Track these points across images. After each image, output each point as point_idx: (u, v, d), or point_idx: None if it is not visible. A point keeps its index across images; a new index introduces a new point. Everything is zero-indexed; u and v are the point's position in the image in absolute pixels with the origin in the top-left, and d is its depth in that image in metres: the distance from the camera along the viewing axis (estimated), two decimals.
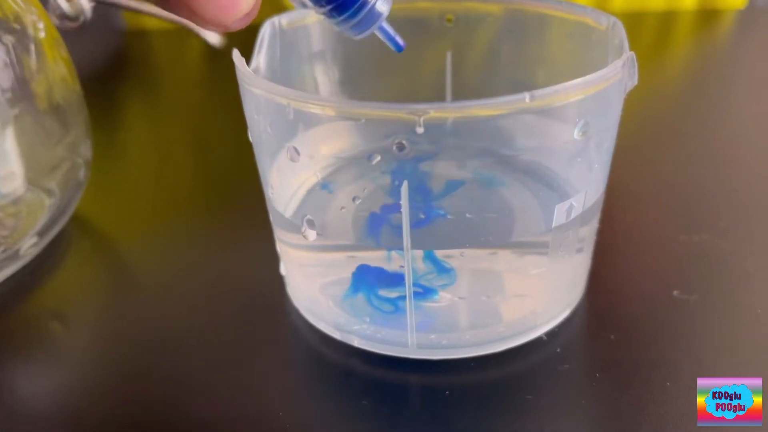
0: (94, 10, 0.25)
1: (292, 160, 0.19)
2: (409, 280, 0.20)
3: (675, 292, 0.23)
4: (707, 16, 0.51)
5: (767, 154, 0.33)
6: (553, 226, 0.19)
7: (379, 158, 0.18)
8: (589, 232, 0.22)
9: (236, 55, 0.20)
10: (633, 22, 0.44)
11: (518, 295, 0.22)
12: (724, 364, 0.20)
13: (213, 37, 0.25)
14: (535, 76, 0.25)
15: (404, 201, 0.18)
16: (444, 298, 0.20)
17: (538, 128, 0.19)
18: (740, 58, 0.45)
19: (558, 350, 0.21)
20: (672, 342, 0.21)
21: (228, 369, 0.21)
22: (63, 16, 0.24)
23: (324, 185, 0.21)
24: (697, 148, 0.33)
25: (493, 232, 0.21)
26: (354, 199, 0.20)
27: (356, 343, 0.21)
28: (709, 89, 0.41)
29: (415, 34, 0.26)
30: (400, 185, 0.18)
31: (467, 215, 0.21)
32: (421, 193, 0.19)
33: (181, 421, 0.19)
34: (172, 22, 0.25)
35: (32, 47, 0.25)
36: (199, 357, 0.22)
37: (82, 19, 0.24)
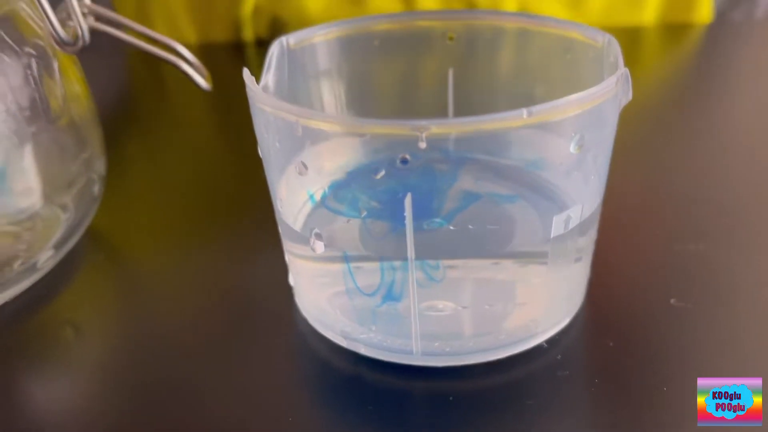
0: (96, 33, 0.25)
1: (300, 174, 0.20)
2: (413, 289, 0.20)
3: (672, 300, 0.23)
4: (674, 31, 0.52)
5: (759, 162, 0.33)
6: (551, 236, 0.20)
7: (383, 172, 0.19)
8: (587, 242, 0.22)
9: (246, 74, 0.21)
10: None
11: (519, 304, 0.22)
12: (724, 364, 0.21)
13: (201, 80, 0.26)
14: (534, 91, 0.26)
15: (408, 213, 0.19)
16: (447, 307, 0.21)
17: (536, 141, 0.20)
18: (721, 70, 0.45)
19: (558, 357, 0.22)
20: (669, 348, 0.22)
21: (238, 376, 0.22)
22: (61, 42, 0.24)
23: (324, 202, 0.22)
24: (690, 159, 0.34)
25: (494, 243, 0.22)
26: (360, 212, 0.21)
27: (363, 350, 0.22)
28: (700, 101, 0.41)
29: (418, 51, 0.27)
30: (404, 198, 0.19)
31: (469, 226, 0.22)
32: (426, 205, 0.20)
33: (192, 427, 0.20)
34: (162, 60, 0.26)
35: (53, 66, 0.26)
36: (209, 365, 0.22)
37: (80, 44, 0.25)
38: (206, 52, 0.51)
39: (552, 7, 0.51)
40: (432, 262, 0.21)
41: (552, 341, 0.22)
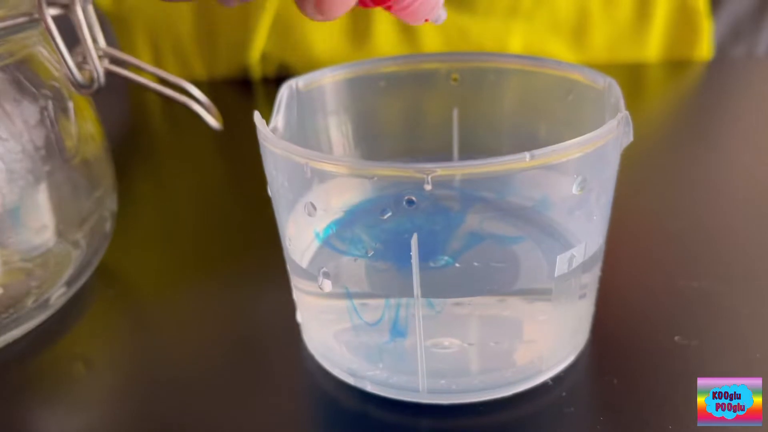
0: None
1: (309, 215, 0.20)
2: (419, 326, 0.21)
3: (676, 338, 0.24)
4: (675, 68, 0.52)
5: (760, 199, 0.34)
6: (555, 275, 0.21)
7: (390, 213, 0.19)
8: (591, 279, 0.23)
9: (257, 116, 0.21)
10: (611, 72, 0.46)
11: (525, 341, 0.22)
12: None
13: (211, 120, 0.27)
14: (537, 130, 0.26)
15: (414, 252, 0.19)
16: (454, 344, 0.21)
17: (540, 181, 0.20)
18: (722, 107, 0.46)
19: (563, 394, 0.22)
20: (674, 386, 0.22)
21: (246, 412, 0.22)
22: (77, 85, 0.25)
23: (328, 242, 0.22)
24: (694, 197, 0.34)
25: (500, 281, 0.22)
26: (367, 251, 0.21)
27: (369, 388, 0.22)
28: (705, 137, 0.42)
29: (423, 92, 0.28)
30: (410, 238, 0.19)
31: (474, 264, 0.22)
32: (432, 244, 0.20)
33: None
34: (175, 102, 0.27)
35: (68, 107, 0.27)
36: (217, 400, 0.23)
37: (95, 86, 0.25)
38: (215, 88, 0.52)
39: (556, 45, 0.52)
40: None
41: (557, 378, 0.22)
